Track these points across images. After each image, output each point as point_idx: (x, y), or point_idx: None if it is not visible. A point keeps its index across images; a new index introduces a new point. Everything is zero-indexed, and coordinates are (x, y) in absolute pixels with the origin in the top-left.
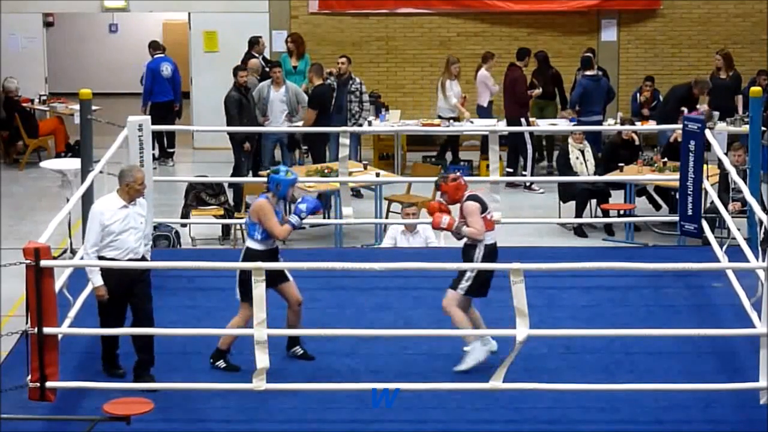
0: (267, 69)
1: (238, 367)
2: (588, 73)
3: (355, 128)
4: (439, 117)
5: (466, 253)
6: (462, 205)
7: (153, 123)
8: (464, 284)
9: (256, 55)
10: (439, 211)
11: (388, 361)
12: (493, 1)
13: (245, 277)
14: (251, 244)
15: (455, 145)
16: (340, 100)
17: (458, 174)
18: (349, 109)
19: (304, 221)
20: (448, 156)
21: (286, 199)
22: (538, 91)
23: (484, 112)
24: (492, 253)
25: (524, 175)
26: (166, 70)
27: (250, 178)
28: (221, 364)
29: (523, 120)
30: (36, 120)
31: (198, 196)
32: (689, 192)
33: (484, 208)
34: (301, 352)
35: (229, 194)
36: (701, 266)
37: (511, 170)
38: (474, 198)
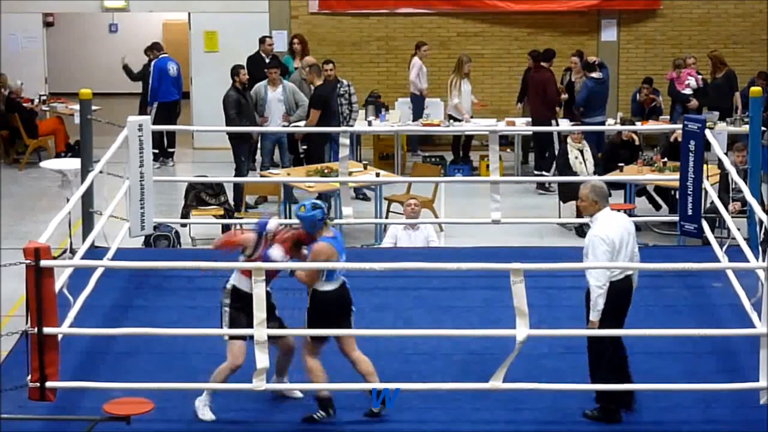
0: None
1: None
2: (593, 75)
3: (356, 128)
4: (450, 117)
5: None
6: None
7: (158, 122)
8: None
9: (264, 54)
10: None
11: (388, 361)
12: (493, 1)
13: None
14: (320, 286)
15: (467, 145)
16: (333, 105)
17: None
18: (340, 112)
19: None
20: (449, 156)
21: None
22: (564, 96)
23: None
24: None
25: (542, 176)
26: (172, 69)
27: (250, 178)
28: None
29: (553, 122)
30: (35, 122)
31: (198, 196)
32: (689, 192)
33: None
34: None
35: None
36: (701, 266)
37: (539, 172)
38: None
